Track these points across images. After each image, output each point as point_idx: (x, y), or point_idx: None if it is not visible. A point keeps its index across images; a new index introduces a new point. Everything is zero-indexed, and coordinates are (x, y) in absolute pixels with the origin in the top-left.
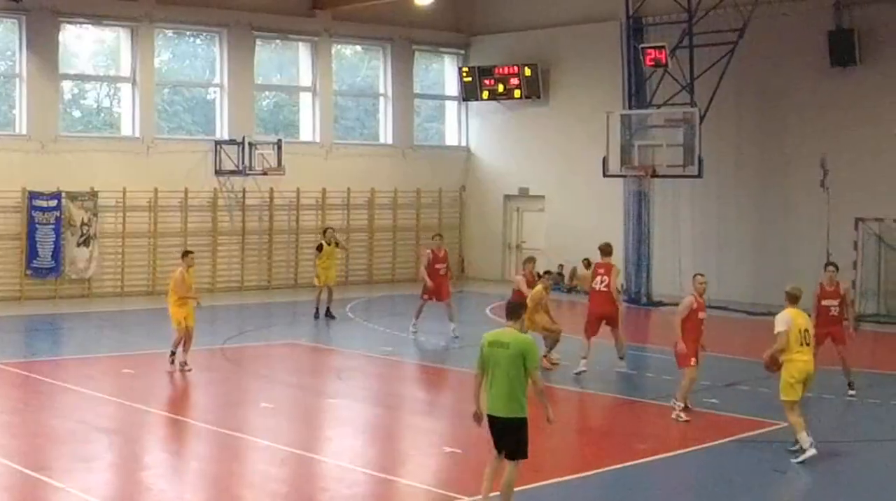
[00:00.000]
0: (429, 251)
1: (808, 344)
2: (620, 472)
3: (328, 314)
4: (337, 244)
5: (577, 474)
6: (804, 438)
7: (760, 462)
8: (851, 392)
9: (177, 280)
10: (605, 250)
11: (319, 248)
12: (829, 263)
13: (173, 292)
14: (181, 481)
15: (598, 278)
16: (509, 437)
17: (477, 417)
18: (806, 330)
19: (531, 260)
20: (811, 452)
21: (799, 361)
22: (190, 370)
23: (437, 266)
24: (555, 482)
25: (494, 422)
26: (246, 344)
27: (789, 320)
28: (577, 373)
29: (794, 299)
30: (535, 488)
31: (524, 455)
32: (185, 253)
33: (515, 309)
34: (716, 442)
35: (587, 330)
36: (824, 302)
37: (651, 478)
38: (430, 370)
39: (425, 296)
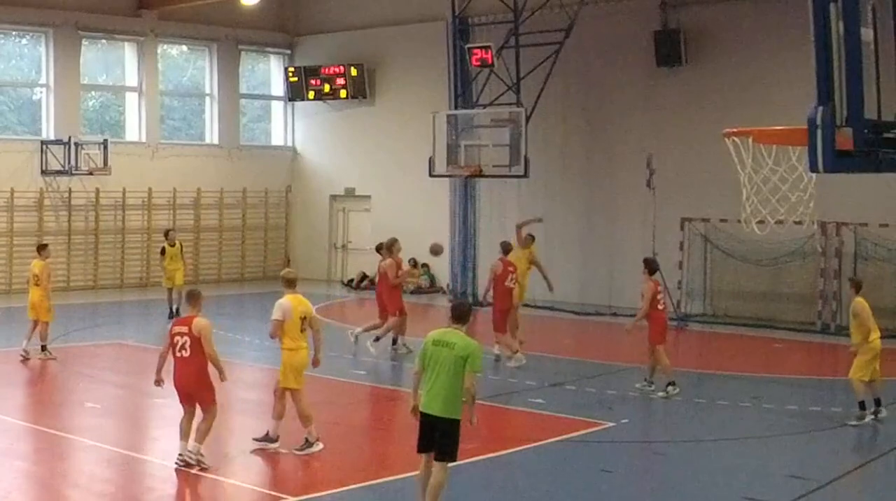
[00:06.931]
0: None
1: None
2: None
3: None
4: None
5: (399, 475)
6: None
7: (587, 462)
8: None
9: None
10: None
11: (162, 251)
12: None
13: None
14: (6, 481)
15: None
16: (442, 437)
17: (415, 411)
18: None
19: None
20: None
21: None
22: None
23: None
24: (379, 482)
25: (428, 420)
26: (72, 344)
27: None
28: None
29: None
30: (360, 488)
31: (454, 458)
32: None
33: (465, 313)
34: (542, 442)
35: None
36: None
37: (477, 478)
38: (260, 371)
39: None
